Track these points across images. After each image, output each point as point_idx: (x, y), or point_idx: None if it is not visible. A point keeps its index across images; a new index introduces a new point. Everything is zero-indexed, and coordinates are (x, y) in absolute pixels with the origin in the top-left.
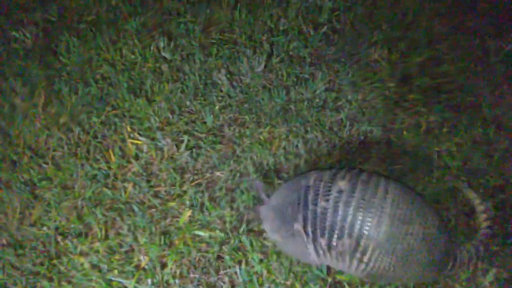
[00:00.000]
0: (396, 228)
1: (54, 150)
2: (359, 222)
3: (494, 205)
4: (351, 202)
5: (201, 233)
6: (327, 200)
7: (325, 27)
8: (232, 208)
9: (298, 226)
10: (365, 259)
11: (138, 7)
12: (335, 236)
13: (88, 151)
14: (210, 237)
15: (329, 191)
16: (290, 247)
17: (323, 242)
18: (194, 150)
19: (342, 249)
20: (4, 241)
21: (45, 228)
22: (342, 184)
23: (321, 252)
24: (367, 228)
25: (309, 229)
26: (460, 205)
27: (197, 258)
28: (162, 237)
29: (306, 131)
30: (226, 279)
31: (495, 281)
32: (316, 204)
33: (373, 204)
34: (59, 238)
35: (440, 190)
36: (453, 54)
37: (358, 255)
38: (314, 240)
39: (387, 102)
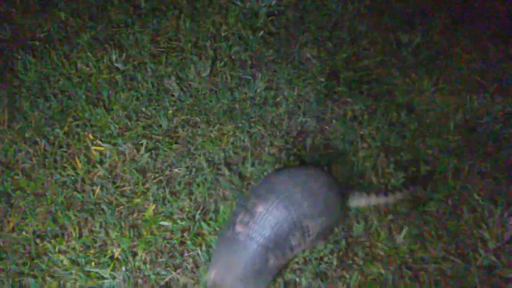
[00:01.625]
0: (310, 198)
1: (23, 163)
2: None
3: (406, 176)
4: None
5: (165, 223)
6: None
7: (262, 31)
8: (190, 199)
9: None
10: (310, 232)
11: (87, 21)
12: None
13: (55, 161)
14: (173, 226)
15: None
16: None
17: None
18: (153, 151)
19: (297, 242)
20: None
21: (23, 232)
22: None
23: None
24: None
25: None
26: (383, 178)
27: (163, 245)
28: (131, 230)
29: (251, 126)
30: (190, 260)
31: (408, 236)
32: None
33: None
34: (38, 241)
35: (365, 167)
36: (372, 49)
37: (306, 235)
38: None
39: (319, 96)
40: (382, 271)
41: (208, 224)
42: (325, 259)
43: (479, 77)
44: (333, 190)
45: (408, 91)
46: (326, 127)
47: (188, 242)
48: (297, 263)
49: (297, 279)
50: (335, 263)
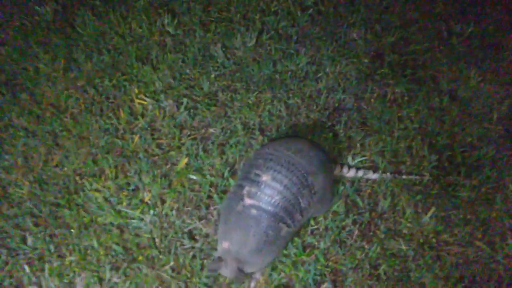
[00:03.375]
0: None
1: (72, 108)
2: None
3: (441, 158)
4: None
5: (194, 176)
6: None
7: (311, 9)
8: (221, 158)
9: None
10: (316, 188)
11: None
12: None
13: (101, 109)
14: (202, 180)
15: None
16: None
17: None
18: (192, 110)
19: (306, 203)
20: (31, 178)
21: (65, 169)
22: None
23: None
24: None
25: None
26: (417, 159)
27: (191, 196)
28: (163, 179)
29: (289, 98)
30: (215, 213)
31: (433, 217)
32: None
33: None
34: (77, 178)
35: (399, 147)
36: (421, 35)
37: (312, 192)
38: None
39: (360, 75)
40: (403, 247)
41: None
42: (347, 228)
43: None
44: (325, 153)
45: (453, 79)
46: (364, 106)
47: (215, 196)
48: (318, 229)
49: (316, 243)
50: (356, 233)
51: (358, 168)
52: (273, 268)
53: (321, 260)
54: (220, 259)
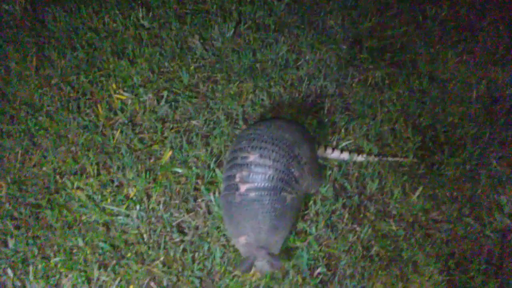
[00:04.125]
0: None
1: (48, 106)
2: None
3: (424, 139)
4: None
5: (180, 170)
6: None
7: None
8: (206, 150)
9: None
10: (303, 159)
11: None
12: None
13: (78, 106)
14: (188, 172)
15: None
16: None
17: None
18: (173, 103)
19: (298, 172)
20: (9, 180)
21: (44, 168)
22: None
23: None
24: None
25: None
26: (401, 140)
27: (177, 190)
28: (148, 173)
29: (270, 86)
30: (203, 205)
31: (421, 196)
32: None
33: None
34: (57, 177)
35: (383, 130)
36: (397, 20)
37: (301, 162)
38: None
39: (340, 61)
40: (394, 227)
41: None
42: (337, 212)
43: (504, 51)
44: (305, 128)
45: (431, 61)
46: (346, 91)
47: (202, 188)
48: (309, 214)
49: (308, 228)
50: (346, 216)
51: (342, 150)
52: None
53: (314, 245)
54: (247, 257)
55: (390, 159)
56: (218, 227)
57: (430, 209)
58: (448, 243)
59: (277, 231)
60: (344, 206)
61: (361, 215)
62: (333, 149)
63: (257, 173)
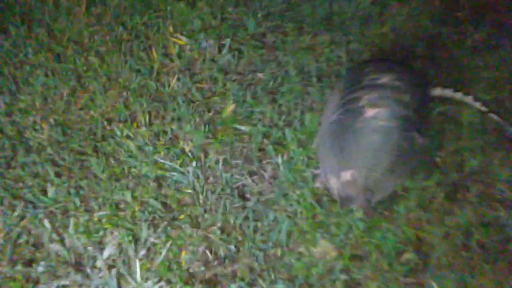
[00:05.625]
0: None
1: (98, 46)
2: None
3: None
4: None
5: (243, 127)
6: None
7: None
8: (273, 106)
9: None
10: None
11: None
12: None
13: (131, 49)
14: (253, 129)
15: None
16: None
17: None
18: (236, 53)
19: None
20: (52, 121)
21: (91, 112)
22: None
23: None
24: None
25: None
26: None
27: (240, 148)
28: (206, 127)
29: (349, 42)
30: (269, 168)
31: None
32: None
33: None
34: (105, 123)
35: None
36: None
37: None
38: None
39: (434, 19)
40: (502, 213)
41: (293, 133)
42: (429, 190)
43: None
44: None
45: None
46: (438, 53)
47: (269, 148)
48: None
49: (396, 207)
50: (441, 195)
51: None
52: (346, 233)
53: (402, 226)
54: (344, 199)
55: (497, 118)
56: (285, 195)
57: None
58: None
59: (392, 175)
60: (438, 184)
61: (459, 196)
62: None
63: (391, 98)
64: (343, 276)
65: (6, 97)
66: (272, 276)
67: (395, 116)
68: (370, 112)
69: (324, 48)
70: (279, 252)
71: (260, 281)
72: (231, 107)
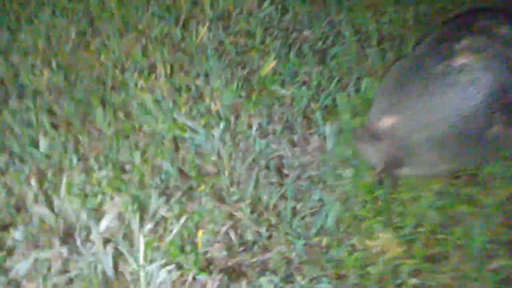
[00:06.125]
0: None
1: None
2: None
3: None
4: None
5: (284, 91)
6: None
7: None
8: (322, 68)
9: None
10: None
11: None
12: None
13: None
14: (296, 91)
15: None
16: None
17: None
18: (279, 6)
19: None
20: (54, 66)
21: (102, 57)
22: None
23: None
24: None
25: None
26: None
27: (279, 113)
28: (239, 85)
29: (418, 3)
30: (315, 138)
31: None
32: None
33: None
34: (117, 72)
35: None
36: None
37: None
38: None
39: None
40: None
41: (347, 99)
42: None
43: None
44: None
45: None
46: None
47: (317, 115)
48: (477, 175)
49: (481, 196)
50: None
51: None
52: (416, 226)
53: (492, 223)
54: (374, 147)
55: None
56: (335, 172)
57: None
58: None
59: (445, 152)
60: None
61: None
62: None
63: (502, 55)
64: (412, 281)
65: (3, 35)
66: (314, 272)
67: (496, 79)
68: (459, 60)
69: (387, 7)
70: (324, 242)
71: (298, 277)
72: (271, 64)
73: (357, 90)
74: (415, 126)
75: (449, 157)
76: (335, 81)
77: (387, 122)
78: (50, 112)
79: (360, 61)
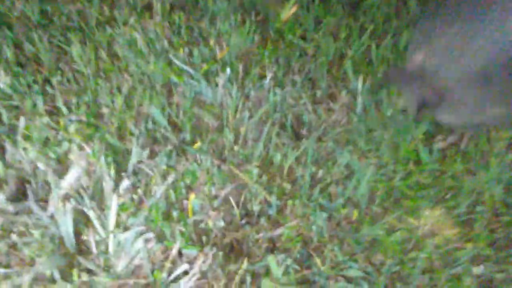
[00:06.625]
0: None
1: None
2: None
3: None
4: None
5: (302, 42)
6: None
7: None
8: (350, 21)
9: None
10: None
11: None
12: None
13: None
14: (321, 42)
15: None
16: None
17: None
18: None
19: None
20: None
21: None
22: None
23: None
24: None
25: None
26: None
27: (298, 65)
28: (252, 29)
29: None
30: (342, 94)
31: None
32: None
33: None
34: (105, 7)
35: None
36: None
37: None
38: None
39: None
40: None
41: (383, 51)
42: None
43: None
44: None
45: None
46: None
47: (348, 66)
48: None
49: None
50: None
51: None
52: (473, 204)
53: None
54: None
55: None
56: (368, 134)
57: None
58: None
59: (485, 99)
60: None
61: None
62: None
63: None
64: (478, 270)
65: None
66: (339, 254)
67: None
68: None
69: None
70: (354, 217)
71: (317, 259)
72: (292, 9)
73: (395, 44)
74: (447, 58)
75: (495, 98)
76: (367, 32)
77: (418, 56)
78: (17, 45)
79: (398, 15)
